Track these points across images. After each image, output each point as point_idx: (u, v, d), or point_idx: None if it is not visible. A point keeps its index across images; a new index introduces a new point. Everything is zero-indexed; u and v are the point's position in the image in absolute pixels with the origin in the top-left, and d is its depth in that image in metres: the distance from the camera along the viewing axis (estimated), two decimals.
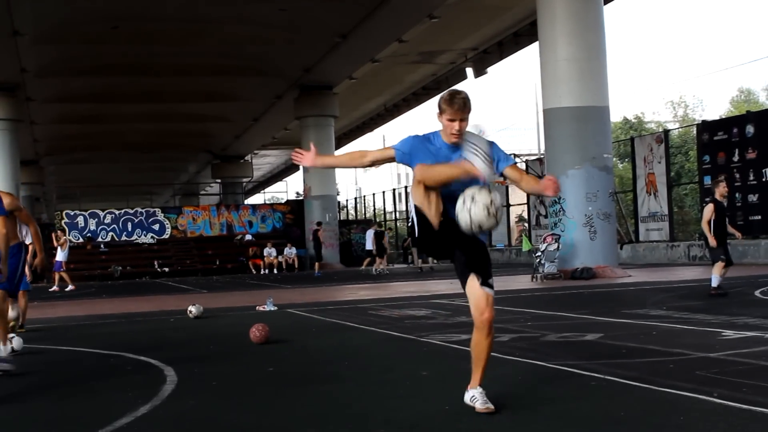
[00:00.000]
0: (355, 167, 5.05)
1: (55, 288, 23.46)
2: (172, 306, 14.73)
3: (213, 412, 5.24)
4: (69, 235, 34.73)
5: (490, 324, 4.74)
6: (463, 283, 4.83)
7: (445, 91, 4.86)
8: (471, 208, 4.50)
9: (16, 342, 8.34)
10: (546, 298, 13.39)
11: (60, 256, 23.61)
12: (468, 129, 4.79)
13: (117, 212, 36.86)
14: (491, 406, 4.73)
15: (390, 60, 30.17)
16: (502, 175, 4.83)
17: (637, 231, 25.97)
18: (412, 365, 6.60)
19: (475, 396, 4.81)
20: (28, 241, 9.95)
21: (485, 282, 4.75)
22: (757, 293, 12.08)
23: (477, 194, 4.52)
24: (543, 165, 26.50)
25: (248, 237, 36.70)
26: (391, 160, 4.91)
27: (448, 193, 4.64)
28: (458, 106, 4.65)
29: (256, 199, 69.62)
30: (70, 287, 23.17)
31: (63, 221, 35.02)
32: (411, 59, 31.09)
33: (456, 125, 4.67)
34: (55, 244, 23.94)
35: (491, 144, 4.83)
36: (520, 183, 4.92)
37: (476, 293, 4.75)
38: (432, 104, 42.88)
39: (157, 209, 38.53)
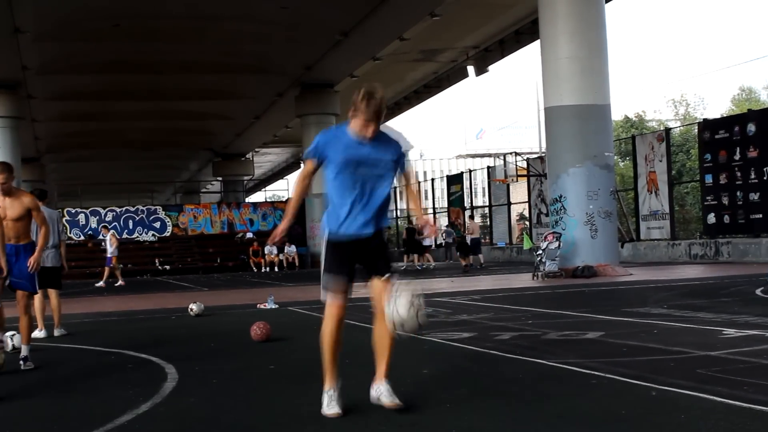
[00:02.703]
0: (307, 191, 5.14)
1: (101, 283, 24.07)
2: (173, 304, 14.74)
3: (214, 409, 5.24)
4: (70, 233, 34.82)
5: None
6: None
7: (361, 88, 4.79)
8: (396, 306, 4.64)
9: (18, 339, 8.34)
10: (547, 297, 13.39)
11: (110, 251, 24.56)
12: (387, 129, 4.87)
13: (118, 210, 36.87)
14: (398, 401, 4.78)
15: (391, 58, 30.15)
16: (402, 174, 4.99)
17: (638, 229, 25.97)
18: (412, 363, 6.60)
19: (381, 390, 4.88)
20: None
21: (387, 273, 4.88)
22: (758, 292, 12.07)
23: (402, 290, 4.66)
24: (544, 163, 26.50)
25: (249, 235, 36.71)
26: (315, 167, 4.92)
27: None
28: (375, 109, 4.68)
29: (257, 197, 69.63)
30: (119, 282, 24.18)
31: (64, 219, 35.02)
32: (412, 57, 31.07)
33: (371, 128, 4.72)
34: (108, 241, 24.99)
35: (397, 148, 4.88)
36: (407, 184, 5.10)
37: (377, 285, 4.88)
38: (433, 102, 42.89)
39: (158, 207, 38.52)
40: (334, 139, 4.84)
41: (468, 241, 25.90)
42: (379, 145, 4.82)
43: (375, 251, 4.91)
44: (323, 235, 4.94)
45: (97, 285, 23.47)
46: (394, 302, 4.64)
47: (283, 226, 5.10)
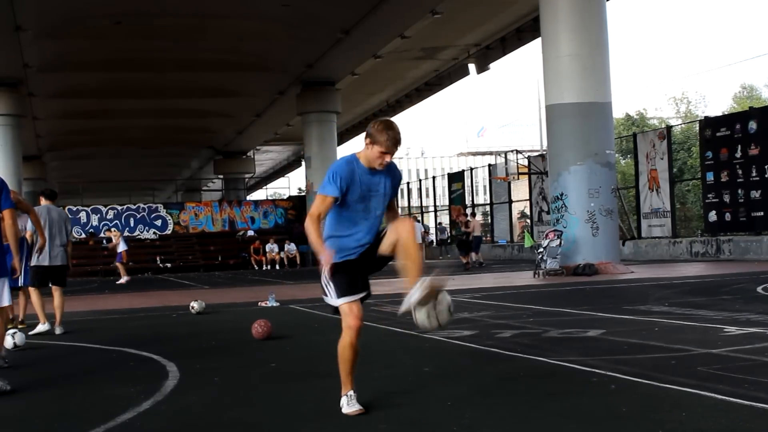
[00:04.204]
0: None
1: (122, 281, 24.42)
2: (174, 301, 14.75)
3: (215, 407, 5.24)
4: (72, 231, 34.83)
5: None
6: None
7: (378, 121, 4.92)
8: (431, 313, 4.77)
9: (19, 337, 8.35)
10: (548, 295, 13.39)
11: (121, 246, 25.24)
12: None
13: (119, 208, 36.88)
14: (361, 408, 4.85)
15: (392, 56, 30.14)
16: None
17: (639, 227, 25.95)
18: (413, 361, 6.60)
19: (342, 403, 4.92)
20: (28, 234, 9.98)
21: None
22: (759, 289, 12.07)
23: (442, 298, 4.78)
24: (545, 161, 26.48)
25: (250, 233, 36.72)
26: (335, 201, 4.89)
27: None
28: (395, 140, 4.82)
29: (258, 195, 69.67)
30: (123, 279, 24.44)
31: None
32: (413, 55, 31.06)
33: (387, 158, 4.85)
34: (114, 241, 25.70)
35: (398, 174, 5.08)
36: (388, 217, 5.12)
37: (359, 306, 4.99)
38: (435, 100, 42.88)
39: (159, 205, 38.53)
40: (351, 174, 4.87)
41: (470, 239, 25.87)
42: (387, 176, 4.98)
43: (376, 245, 4.96)
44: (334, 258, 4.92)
45: (118, 282, 23.82)
46: (415, 302, 4.76)
47: (326, 258, 4.89)
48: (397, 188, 5.12)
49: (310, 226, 4.84)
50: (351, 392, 4.90)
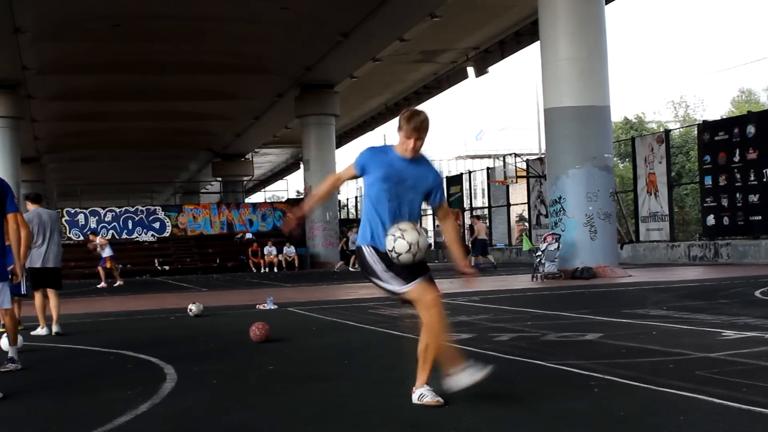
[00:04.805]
0: (333, 192, 5.33)
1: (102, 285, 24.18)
2: (173, 304, 14.73)
3: (212, 410, 5.24)
4: (69, 233, 34.80)
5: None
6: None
7: (406, 110, 5.15)
8: (398, 240, 4.84)
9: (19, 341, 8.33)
10: (546, 298, 13.39)
11: (106, 252, 25.05)
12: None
13: (117, 210, 36.83)
14: (440, 399, 4.92)
15: (391, 59, 30.15)
16: (435, 208, 5.23)
17: (638, 231, 25.97)
18: (412, 364, 6.58)
19: (423, 394, 4.99)
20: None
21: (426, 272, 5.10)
22: (757, 293, 12.08)
23: (408, 231, 4.85)
24: (544, 164, 26.50)
25: (248, 235, 36.68)
26: (354, 176, 5.19)
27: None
28: (415, 125, 4.97)
29: (256, 197, 69.64)
30: (103, 284, 24.14)
31: (63, 219, 35.00)
32: (412, 58, 31.06)
33: (411, 143, 4.99)
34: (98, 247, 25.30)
35: (440, 176, 5.24)
36: (442, 223, 5.36)
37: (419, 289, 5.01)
38: (433, 103, 42.96)
39: (157, 207, 38.47)
40: (380, 155, 5.09)
41: (470, 242, 25.85)
42: (420, 167, 5.09)
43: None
44: (362, 243, 5.10)
45: (98, 286, 23.52)
46: (404, 231, 4.85)
47: (299, 213, 5.35)
48: (436, 192, 5.14)
49: (321, 183, 5.26)
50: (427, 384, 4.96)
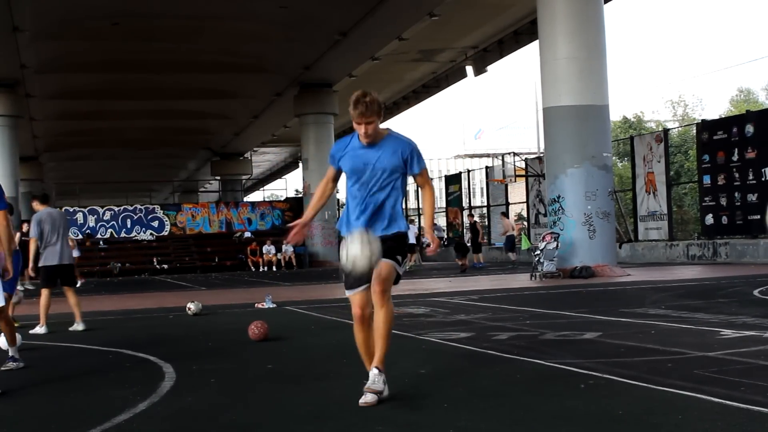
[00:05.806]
0: (328, 195, 5.44)
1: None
2: (171, 303, 14.74)
3: (211, 409, 5.24)
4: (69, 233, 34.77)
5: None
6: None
7: (355, 92, 5.04)
8: (343, 249, 4.89)
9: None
10: (545, 297, 13.39)
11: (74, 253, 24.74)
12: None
13: (116, 209, 36.84)
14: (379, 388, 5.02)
15: (390, 58, 30.15)
16: (415, 177, 5.17)
17: (636, 230, 25.97)
18: (410, 363, 6.60)
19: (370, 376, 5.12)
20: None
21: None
22: (755, 292, 12.08)
23: (353, 243, 4.85)
24: (542, 163, 26.49)
25: (247, 234, 36.70)
26: (335, 173, 5.25)
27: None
28: (361, 111, 4.89)
29: (255, 196, 69.55)
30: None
31: None
32: (411, 57, 31.07)
33: (362, 128, 4.94)
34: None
35: (410, 145, 5.08)
36: (420, 191, 5.42)
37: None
38: (432, 102, 42.92)
39: (156, 206, 38.49)
40: (344, 147, 5.09)
41: (469, 241, 25.91)
42: (383, 147, 5.02)
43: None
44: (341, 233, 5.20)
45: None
46: (350, 242, 4.87)
47: (302, 221, 5.34)
48: (410, 165, 5.06)
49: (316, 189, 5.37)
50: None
